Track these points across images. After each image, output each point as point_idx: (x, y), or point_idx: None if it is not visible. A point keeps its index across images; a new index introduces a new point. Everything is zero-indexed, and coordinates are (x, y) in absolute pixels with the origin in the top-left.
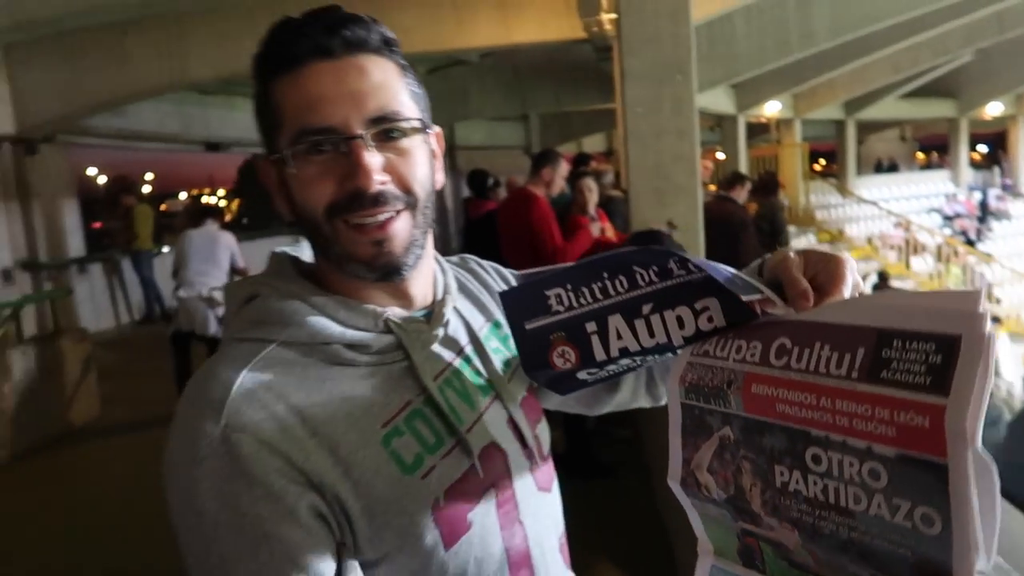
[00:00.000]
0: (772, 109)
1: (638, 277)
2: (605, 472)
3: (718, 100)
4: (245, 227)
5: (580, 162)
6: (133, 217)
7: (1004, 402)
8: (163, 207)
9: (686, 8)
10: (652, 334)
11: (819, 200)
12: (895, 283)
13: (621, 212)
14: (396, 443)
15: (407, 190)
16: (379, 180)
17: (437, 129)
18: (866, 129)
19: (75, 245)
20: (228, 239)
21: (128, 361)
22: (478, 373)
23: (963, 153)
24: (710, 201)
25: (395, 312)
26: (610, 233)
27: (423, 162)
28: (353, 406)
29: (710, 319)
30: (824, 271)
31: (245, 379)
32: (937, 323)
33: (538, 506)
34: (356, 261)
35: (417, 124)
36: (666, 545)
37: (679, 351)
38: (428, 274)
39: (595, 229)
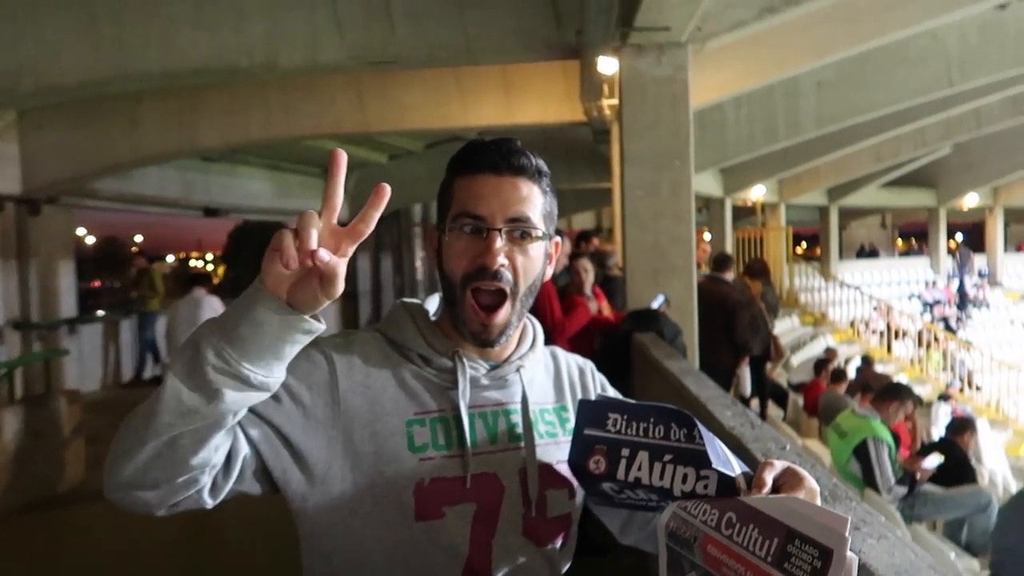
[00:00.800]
0: (758, 193)
1: (672, 432)
2: (599, 551)
3: (706, 183)
4: (234, 292)
5: (581, 239)
6: (150, 277)
7: (990, 488)
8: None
9: (685, 97)
10: (662, 478)
11: (802, 283)
12: (878, 367)
13: (621, 291)
14: (415, 429)
15: (515, 277)
16: (500, 262)
17: (558, 239)
18: (848, 215)
19: (68, 305)
20: (215, 303)
21: (114, 424)
22: (514, 425)
23: (942, 241)
24: (703, 281)
25: (467, 352)
26: (607, 312)
27: (536, 260)
28: (403, 390)
29: (705, 486)
30: (788, 483)
31: (356, 335)
32: (822, 535)
33: (519, 548)
34: (466, 327)
35: (540, 233)
36: None
37: (672, 502)
38: (511, 343)
39: (592, 307)
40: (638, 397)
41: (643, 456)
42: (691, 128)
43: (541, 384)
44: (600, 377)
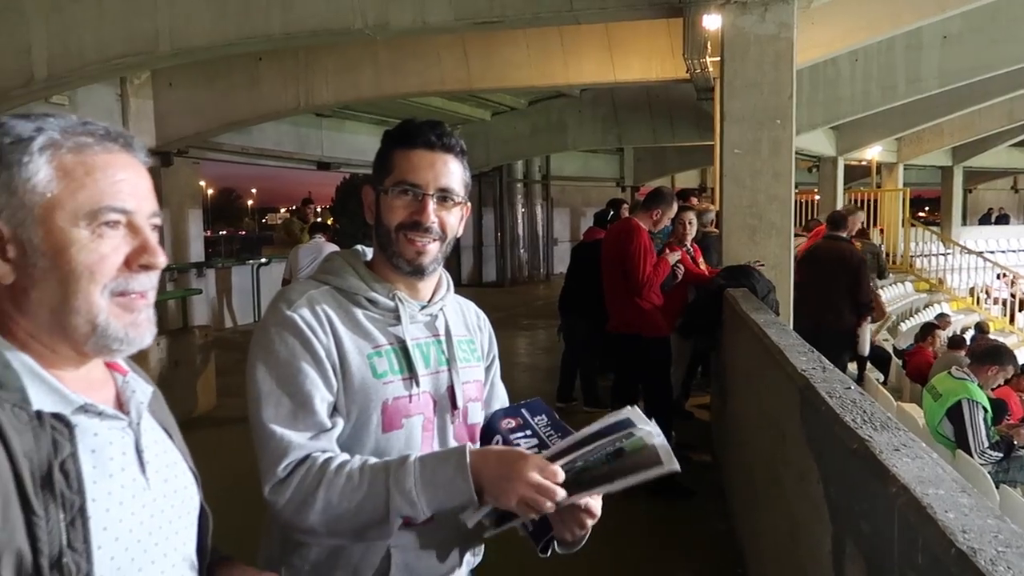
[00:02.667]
0: (874, 152)
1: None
2: (685, 494)
3: (817, 142)
4: (337, 241)
5: (681, 196)
6: (296, 226)
7: None
8: (265, 220)
9: (789, 55)
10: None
11: (919, 248)
12: (995, 336)
13: (716, 248)
14: (375, 360)
15: (443, 230)
16: (432, 220)
17: (468, 204)
18: (975, 177)
19: (196, 250)
20: (333, 250)
21: (239, 361)
22: (442, 352)
23: None
24: (821, 242)
25: (402, 293)
26: (703, 266)
27: (456, 218)
28: (359, 332)
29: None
30: None
31: (310, 294)
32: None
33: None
34: (402, 258)
35: (460, 200)
36: (740, 569)
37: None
38: (432, 284)
39: (672, 258)
40: (726, 349)
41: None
42: (794, 87)
43: (456, 320)
44: (490, 325)
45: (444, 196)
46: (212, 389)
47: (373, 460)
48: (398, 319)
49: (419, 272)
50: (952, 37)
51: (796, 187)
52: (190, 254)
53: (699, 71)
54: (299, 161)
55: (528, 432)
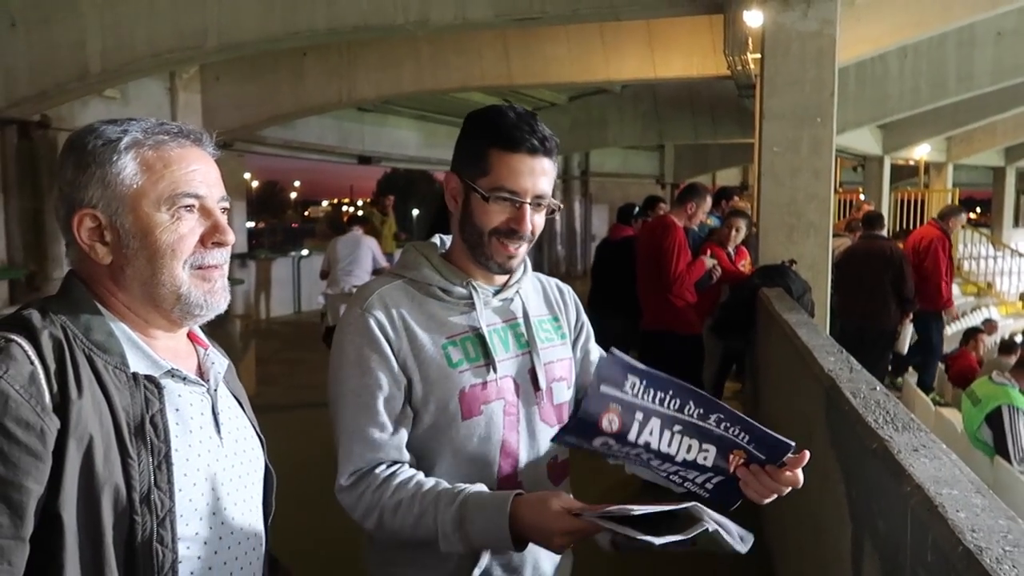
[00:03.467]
0: (922, 151)
1: (687, 407)
2: None
3: (863, 140)
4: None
5: (722, 196)
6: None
7: None
8: (307, 213)
9: (831, 52)
10: (669, 445)
11: (967, 250)
12: None
13: (752, 247)
14: (450, 349)
15: (533, 235)
16: (528, 228)
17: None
18: None
19: (239, 242)
20: (371, 243)
21: (277, 350)
22: (520, 335)
23: None
24: (858, 243)
25: (477, 281)
26: (747, 268)
27: (543, 219)
28: (433, 323)
29: (705, 457)
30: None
31: (381, 292)
32: None
33: (538, 430)
34: (492, 260)
35: (554, 204)
36: (768, 568)
37: (672, 464)
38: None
39: (709, 263)
40: (760, 348)
41: (655, 423)
42: (835, 84)
43: (535, 301)
44: (574, 295)
45: (539, 202)
46: (252, 377)
47: (429, 485)
48: (473, 306)
49: (507, 273)
50: (1007, 33)
51: (840, 186)
52: (235, 245)
53: (740, 68)
54: (341, 155)
55: (630, 439)
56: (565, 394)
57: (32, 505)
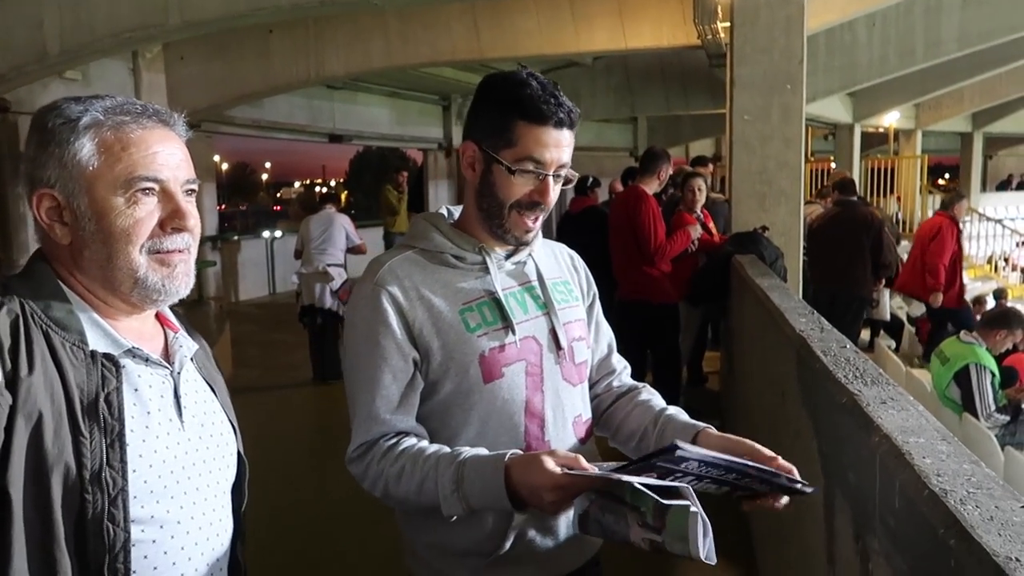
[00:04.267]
0: (891, 119)
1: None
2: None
3: (833, 108)
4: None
5: (696, 164)
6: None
7: None
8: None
9: (800, 20)
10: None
11: None
12: (1012, 303)
13: (723, 215)
14: (467, 315)
15: (549, 206)
16: (552, 200)
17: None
18: (996, 144)
19: (211, 224)
20: (344, 220)
21: (252, 332)
22: (537, 297)
23: None
24: (832, 209)
25: (489, 246)
26: (714, 233)
27: (559, 191)
28: (448, 290)
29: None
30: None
31: (393, 263)
32: None
33: (561, 388)
34: (511, 234)
35: (571, 175)
36: (746, 527)
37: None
38: None
39: (695, 232)
40: (734, 314)
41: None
42: (804, 52)
43: (548, 264)
44: (583, 262)
45: (560, 172)
46: (228, 359)
47: (431, 451)
48: (486, 271)
49: (525, 246)
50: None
51: (812, 155)
52: (205, 227)
53: (711, 37)
54: (311, 134)
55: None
56: (584, 353)
57: None
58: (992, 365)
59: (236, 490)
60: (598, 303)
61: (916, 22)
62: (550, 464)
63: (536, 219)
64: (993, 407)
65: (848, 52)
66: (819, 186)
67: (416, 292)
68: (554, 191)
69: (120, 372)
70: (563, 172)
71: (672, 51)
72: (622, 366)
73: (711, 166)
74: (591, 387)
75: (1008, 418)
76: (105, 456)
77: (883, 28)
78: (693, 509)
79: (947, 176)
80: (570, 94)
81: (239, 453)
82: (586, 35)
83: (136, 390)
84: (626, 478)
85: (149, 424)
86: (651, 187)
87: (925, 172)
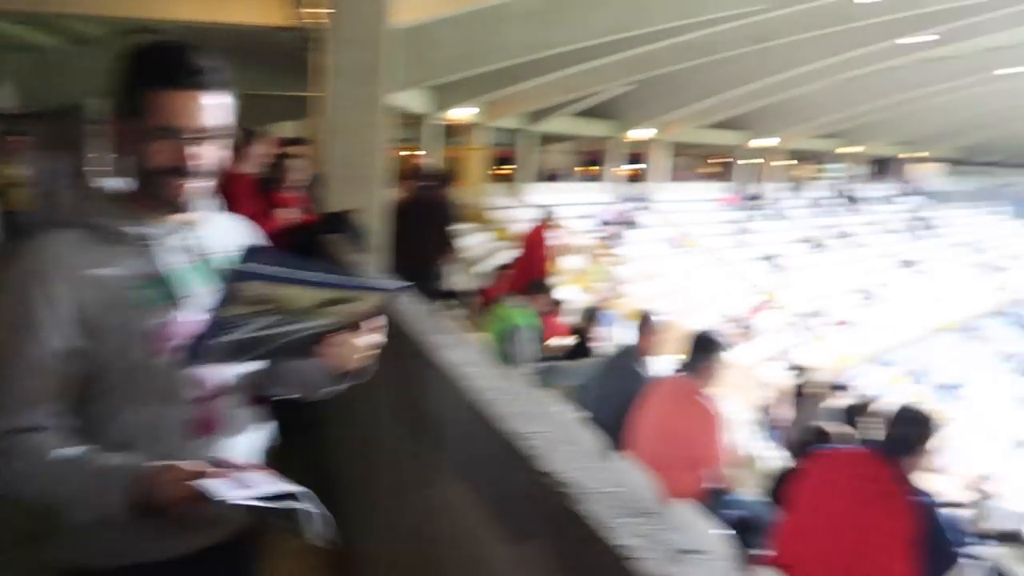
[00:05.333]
0: (464, 112)
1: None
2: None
3: (415, 101)
4: None
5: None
6: None
7: None
8: None
9: (384, 14)
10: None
11: (496, 201)
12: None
13: (315, 196)
14: (131, 293)
15: (207, 171)
16: (197, 164)
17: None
18: (548, 141)
19: None
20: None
21: None
22: (205, 273)
23: (616, 168)
24: (417, 191)
25: (153, 222)
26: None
27: (221, 153)
28: (109, 268)
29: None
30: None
31: (46, 243)
32: None
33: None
34: (166, 200)
35: (231, 134)
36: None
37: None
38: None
39: (288, 215)
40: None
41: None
42: (387, 45)
43: (219, 239)
44: (263, 235)
45: (219, 135)
46: None
47: (82, 455)
48: (150, 248)
49: (179, 212)
50: (536, 13)
51: (399, 142)
52: None
53: (303, 21)
54: None
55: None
56: None
57: None
58: (533, 324)
59: None
60: None
61: (489, 28)
62: (178, 469)
63: (185, 186)
64: (531, 357)
65: (431, 49)
66: (405, 172)
67: (74, 272)
68: (203, 154)
69: None
70: (223, 133)
71: (263, 29)
72: None
73: (304, 147)
74: None
75: (545, 364)
76: None
77: (461, 30)
78: (303, 508)
79: (512, 167)
80: None
81: None
82: (170, 2)
83: None
84: (240, 500)
85: None
86: (245, 168)
87: (489, 163)
